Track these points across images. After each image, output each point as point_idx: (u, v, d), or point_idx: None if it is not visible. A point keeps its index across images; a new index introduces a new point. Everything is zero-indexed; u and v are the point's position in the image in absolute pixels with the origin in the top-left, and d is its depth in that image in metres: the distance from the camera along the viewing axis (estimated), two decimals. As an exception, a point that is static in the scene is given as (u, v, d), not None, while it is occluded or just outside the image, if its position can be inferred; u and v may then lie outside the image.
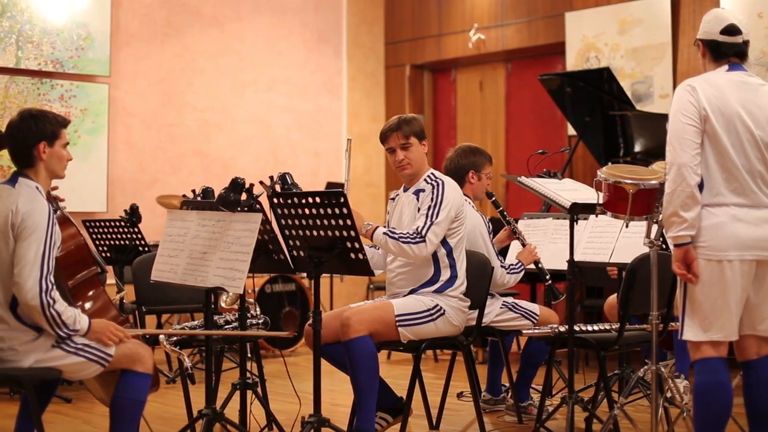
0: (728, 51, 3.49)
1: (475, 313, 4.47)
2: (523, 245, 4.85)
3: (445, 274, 4.28)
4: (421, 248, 4.13)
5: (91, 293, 3.81)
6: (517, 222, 5.07)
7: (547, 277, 4.81)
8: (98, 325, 3.46)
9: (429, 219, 4.16)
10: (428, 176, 4.35)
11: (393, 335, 4.15)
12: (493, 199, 4.94)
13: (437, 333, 4.25)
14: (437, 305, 4.23)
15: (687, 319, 3.39)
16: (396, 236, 4.15)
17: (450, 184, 4.30)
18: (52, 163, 3.56)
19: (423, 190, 4.30)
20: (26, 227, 3.35)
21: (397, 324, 4.13)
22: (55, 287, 3.36)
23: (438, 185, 4.26)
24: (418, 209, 4.27)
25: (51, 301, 3.32)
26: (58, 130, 3.56)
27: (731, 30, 3.48)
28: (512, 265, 4.76)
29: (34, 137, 3.51)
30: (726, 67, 3.48)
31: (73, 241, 3.78)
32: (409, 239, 4.13)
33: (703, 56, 3.55)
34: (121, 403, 3.50)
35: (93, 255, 3.89)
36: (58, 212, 3.77)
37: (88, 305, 3.77)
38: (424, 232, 4.14)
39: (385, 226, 4.40)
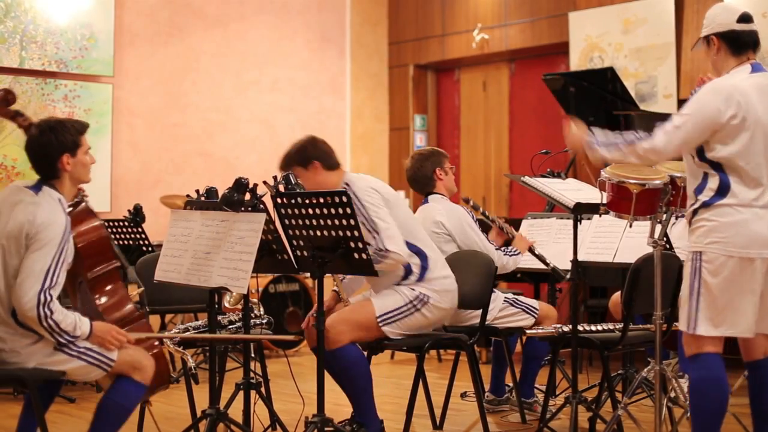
0: (748, 39, 3.38)
1: (478, 312, 4.47)
2: (512, 237, 4.91)
3: (415, 260, 4.23)
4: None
5: (109, 288, 3.74)
6: (519, 222, 5.09)
7: (547, 261, 4.81)
8: (100, 329, 3.44)
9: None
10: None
11: (379, 335, 4.16)
12: (472, 203, 4.98)
13: (429, 322, 4.24)
14: (418, 294, 4.19)
15: (699, 313, 3.35)
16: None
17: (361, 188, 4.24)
18: (77, 171, 3.52)
19: None
20: (39, 239, 3.32)
21: (380, 324, 4.12)
22: (54, 299, 3.31)
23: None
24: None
25: (48, 313, 3.28)
26: (78, 138, 3.51)
27: (747, 17, 3.39)
28: (507, 249, 4.82)
29: (56, 150, 3.45)
30: (749, 68, 3.38)
31: (96, 233, 3.74)
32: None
33: (718, 51, 3.43)
34: (108, 404, 3.46)
35: (114, 250, 3.87)
36: (83, 204, 3.75)
37: (104, 299, 3.71)
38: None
39: None
